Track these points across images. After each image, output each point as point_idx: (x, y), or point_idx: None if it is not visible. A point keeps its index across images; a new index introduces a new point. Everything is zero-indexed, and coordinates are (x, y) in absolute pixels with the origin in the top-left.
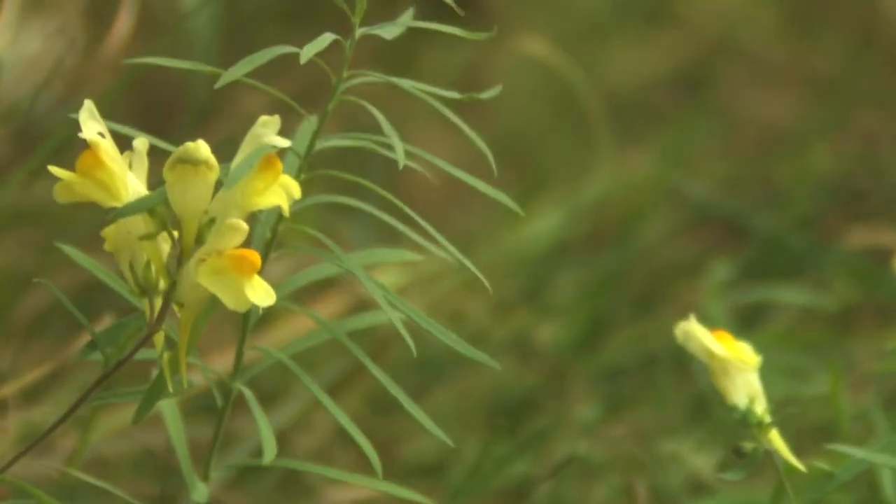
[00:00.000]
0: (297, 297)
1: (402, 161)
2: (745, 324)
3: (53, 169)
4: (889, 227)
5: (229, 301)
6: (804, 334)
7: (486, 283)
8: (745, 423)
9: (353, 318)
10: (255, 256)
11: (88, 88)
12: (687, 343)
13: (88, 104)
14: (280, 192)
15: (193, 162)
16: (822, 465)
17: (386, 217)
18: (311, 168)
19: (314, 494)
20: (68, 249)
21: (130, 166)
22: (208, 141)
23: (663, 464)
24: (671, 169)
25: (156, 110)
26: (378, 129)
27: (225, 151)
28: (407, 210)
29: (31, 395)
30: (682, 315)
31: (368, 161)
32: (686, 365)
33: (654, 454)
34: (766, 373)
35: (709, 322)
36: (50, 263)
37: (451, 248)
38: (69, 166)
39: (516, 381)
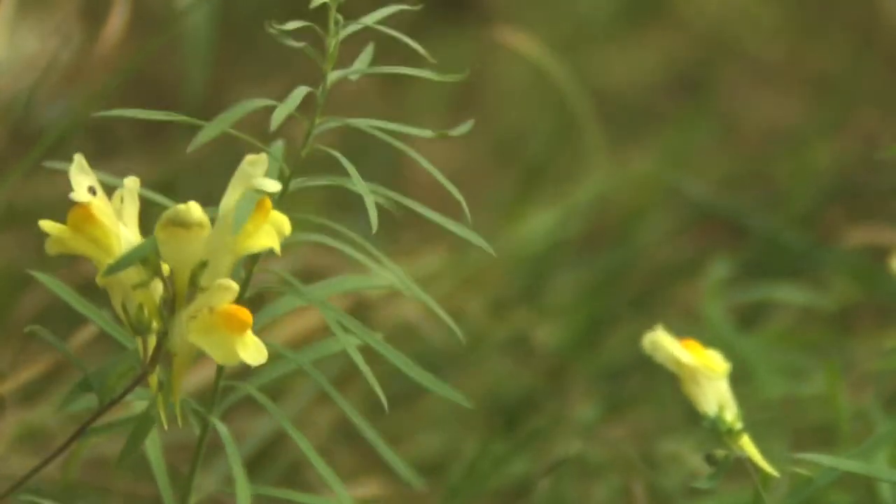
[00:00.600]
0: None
1: (374, 221)
2: (745, 323)
3: (45, 224)
4: (888, 227)
5: (220, 357)
6: (803, 334)
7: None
8: (715, 430)
9: (322, 344)
10: (245, 315)
11: (83, 85)
12: (655, 353)
13: (78, 159)
14: (271, 232)
15: (185, 225)
16: (801, 470)
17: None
18: (306, 171)
19: (313, 493)
20: (42, 277)
21: (121, 201)
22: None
23: (662, 464)
24: (670, 168)
25: (154, 108)
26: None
27: (220, 150)
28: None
29: (30, 395)
30: (681, 315)
31: (367, 159)
32: None
33: (652, 454)
34: (765, 373)
35: (708, 322)
36: (48, 261)
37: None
38: (65, 160)
39: (515, 380)
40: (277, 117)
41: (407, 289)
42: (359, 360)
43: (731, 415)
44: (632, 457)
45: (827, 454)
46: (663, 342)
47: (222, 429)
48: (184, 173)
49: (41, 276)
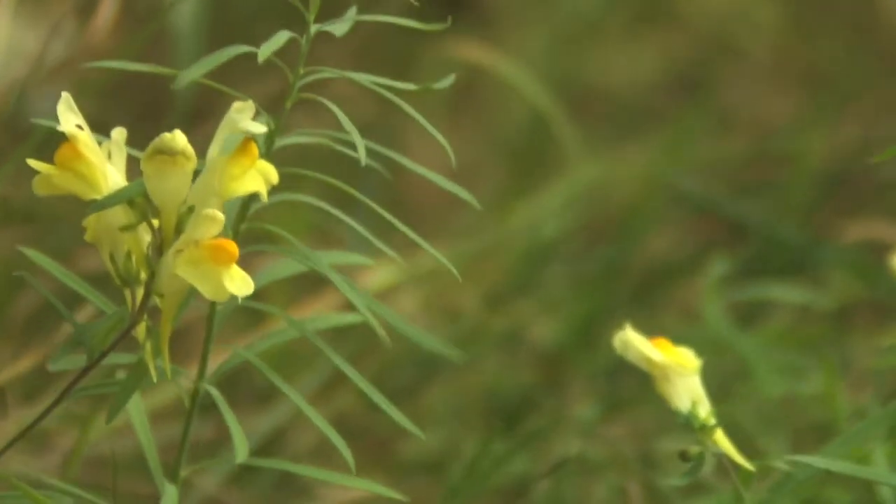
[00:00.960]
0: (292, 293)
1: (363, 159)
2: (743, 321)
3: (32, 162)
4: (886, 223)
5: (207, 291)
6: (802, 331)
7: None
8: (688, 426)
9: (330, 317)
10: (232, 246)
11: (71, 80)
12: (625, 352)
13: (66, 96)
14: (257, 177)
15: (170, 152)
16: (780, 464)
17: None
18: (301, 165)
19: (311, 493)
20: (36, 255)
21: (109, 157)
22: (196, 136)
23: (661, 463)
24: (669, 166)
25: (145, 106)
26: (370, 124)
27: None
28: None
29: (29, 393)
30: (680, 312)
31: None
32: None
33: (651, 454)
34: (763, 371)
35: (706, 319)
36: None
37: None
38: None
39: (513, 379)
40: (263, 53)
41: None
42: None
43: (705, 411)
44: (630, 456)
45: (825, 452)
46: (633, 341)
47: (214, 392)
48: None
49: (35, 255)
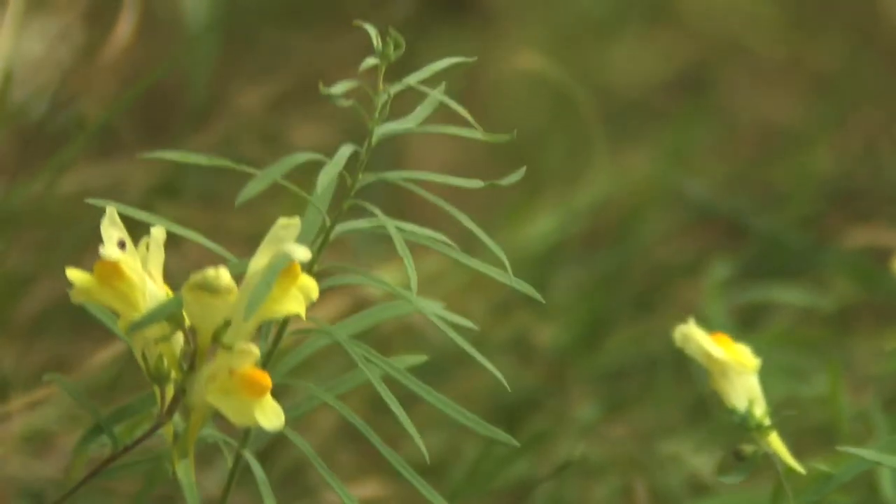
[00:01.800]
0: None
1: (414, 281)
2: (745, 324)
3: (71, 273)
4: (889, 227)
5: (237, 420)
6: (803, 334)
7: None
8: (744, 425)
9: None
10: (265, 379)
11: (89, 90)
12: (685, 346)
13: (110, 212)
14: (298, 297)
15: (213, 291)
16: (822, 466)
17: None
18: (306, 167)
19: (315, 494)
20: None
21: (147, 248)
22: (207, 139)
23: (663, 464)
24: (671, 168)
25: (156, 108)
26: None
27: (223, 151)
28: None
29: (34, 398)
30: (682, 315)
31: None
32: (686, 365)
33: (653, 454)
34: (765, 373)
35: (708, 322)
36: (51, 263)
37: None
38: (73, 168)
39: (516, 381)
40: (324, 180)
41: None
42: (387, 394)
43: (761, 410)
44: (633, 457)
45: (828, 455)
46: (695, 335)
47: (255, 465)
48: (186, 175)
49: (83, 303)
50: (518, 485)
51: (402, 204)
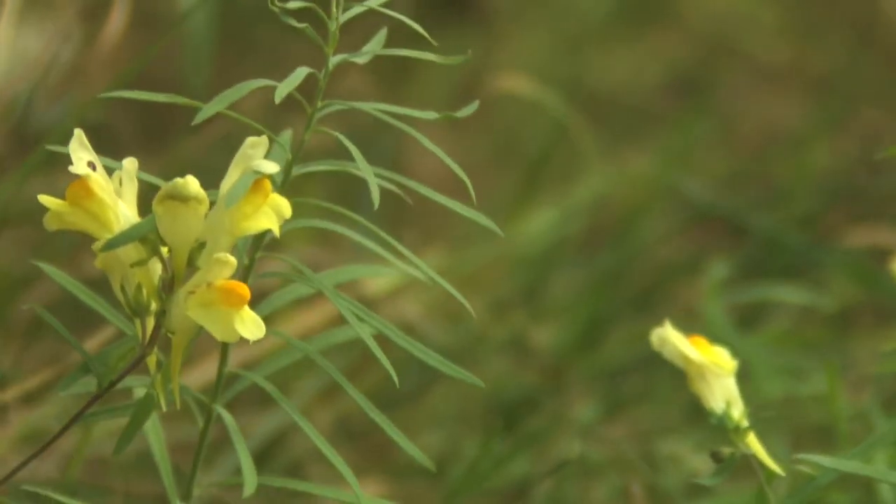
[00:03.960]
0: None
1: (376, 200)
2: (744, 323)
3: (43, 198)
4: (888, 227)
5: (218, 333)
6: (803, 334)
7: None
8: (721, 427)
9: (329, 333)
10: (243, 289)
11: (83, 85)
12: (662, 348)
13: (78, 133)
14: (270, 214)
15: (183, 198)
16: (805, 468)
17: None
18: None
19: (313, 495)
20: (46, 268)
21: (120, 184)
22: (204, 139)
23: (661, 464)
24: (670, 169)
25: (154, 108)
26: (372, 125)
27: (222, 149)
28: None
29: (32, 396)
30: (681, 314)
31: (367, 156)
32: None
33: (652, 454)
34: (764, 373)
35: (708, 322)
36: (49, 262)
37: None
38: (65, 166)
39: (514, 381)
40: (280, 93)
41: (424, 276)
42: (373, 346)
43: (738, 412)
44: (631, 457)
45: (826, 454)
46: (671, 338)
47: (227, 417)
48: (184, 173)
49: (47, 268)
50: (516, 484)
51: (403, 204)
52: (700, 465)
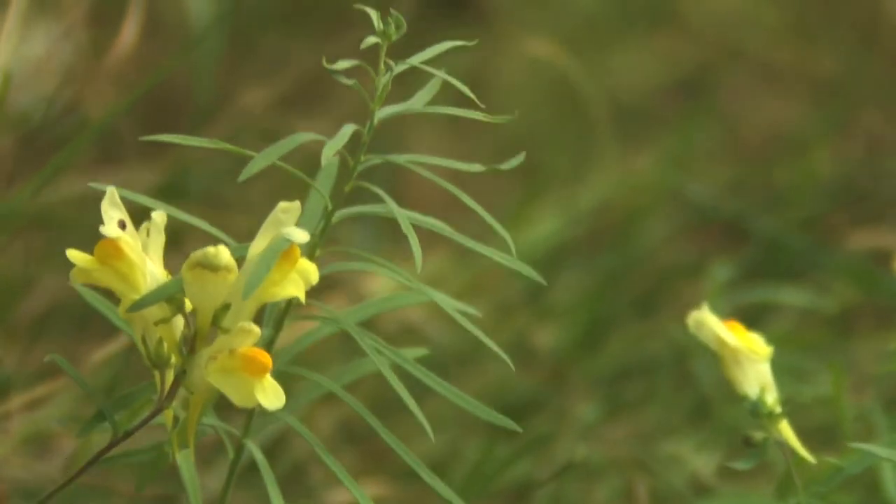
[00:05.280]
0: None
1: (419, 258)
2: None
3: (71, 253)
4: (890, 229)
5: (237, 399)
6: (805, 335)
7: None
8: (755, 413)
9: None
10: (265, 358)
11: (94, 93)
12: (698, 332)
13: (110, 192)
14: (297, 281)
15: (213, 268)
16: (831, 459)
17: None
18: (307, 169)
19: (316, 495)
20: (83, 290)
21: (147, 234)
22: (210, 136)
23: (664, 465)
24: (673, 171)
25: (159, 109)
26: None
27: (225, 154)
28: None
29: (34, 399)
30: (684, 316)
31: (373, 166)
32: (687, 366)
33: (654, 455)
34: None
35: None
36: (53, 265)
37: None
38: (76, 170)
39: (518, 382)
40: (327, 154)
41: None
42: (399, 387)
43: (772, 398)
44: (634, 458)
45: (830, 455)
46: (708, 321)
47: (258, 454)
48: (189, 177)
49: (80, 288)
50: (519, 486)
51: (406, 205)
52: (702, 465)
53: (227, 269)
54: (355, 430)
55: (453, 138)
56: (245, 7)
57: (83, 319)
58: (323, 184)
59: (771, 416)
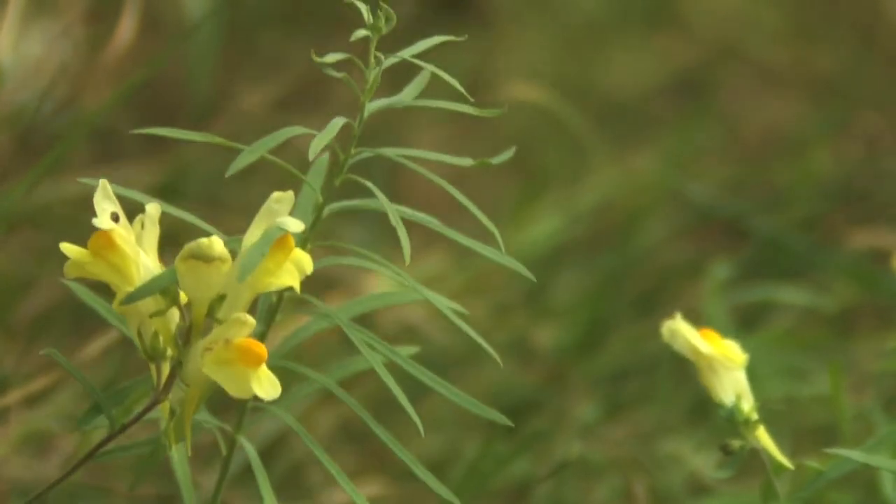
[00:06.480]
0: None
1: (407, 250)
2: (746, 324)
3: (65, 247)
4: (890, 229)
5: (233, 390)
6: (805, 335)
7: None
8: (731, 420)
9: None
10: (261, 349)
11: (91, 91)
12: (673, 341)
13: (103, 184)
14: (292, 270)
15: (207, 259)
16: (813, 463)
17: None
18: (305, 169)
19: (315, 495)
20: (75, 286)
21: (142, 227)
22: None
23: (663, 464)
24: (673, 171)
25: (157, 109)
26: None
27: (223, 153)
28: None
29: (32, 398)
30: (683, 316)
31: (369, 164)
32: (686, 366)
33: (653, 455)
34: (766, 373)
35: (709, 323)
36: (50, 265)
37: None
38: (73, 169)
39: (517, 381)
40: (315, 147)
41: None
42: (389, 379)
43: (748, 405)
44: (632, 457)
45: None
46: (682, 330)
47: (251, 450)
48: (187, 176)
49: (74, 286)
50: (518, 485)
51: (407, 206)
52: (701, 465)
53: (220, 259)
54: (355, 429)
55: (453, 139)
56: (243, 7)
57: (81, 318)
58: (314, 178)
59: (748, 424)
